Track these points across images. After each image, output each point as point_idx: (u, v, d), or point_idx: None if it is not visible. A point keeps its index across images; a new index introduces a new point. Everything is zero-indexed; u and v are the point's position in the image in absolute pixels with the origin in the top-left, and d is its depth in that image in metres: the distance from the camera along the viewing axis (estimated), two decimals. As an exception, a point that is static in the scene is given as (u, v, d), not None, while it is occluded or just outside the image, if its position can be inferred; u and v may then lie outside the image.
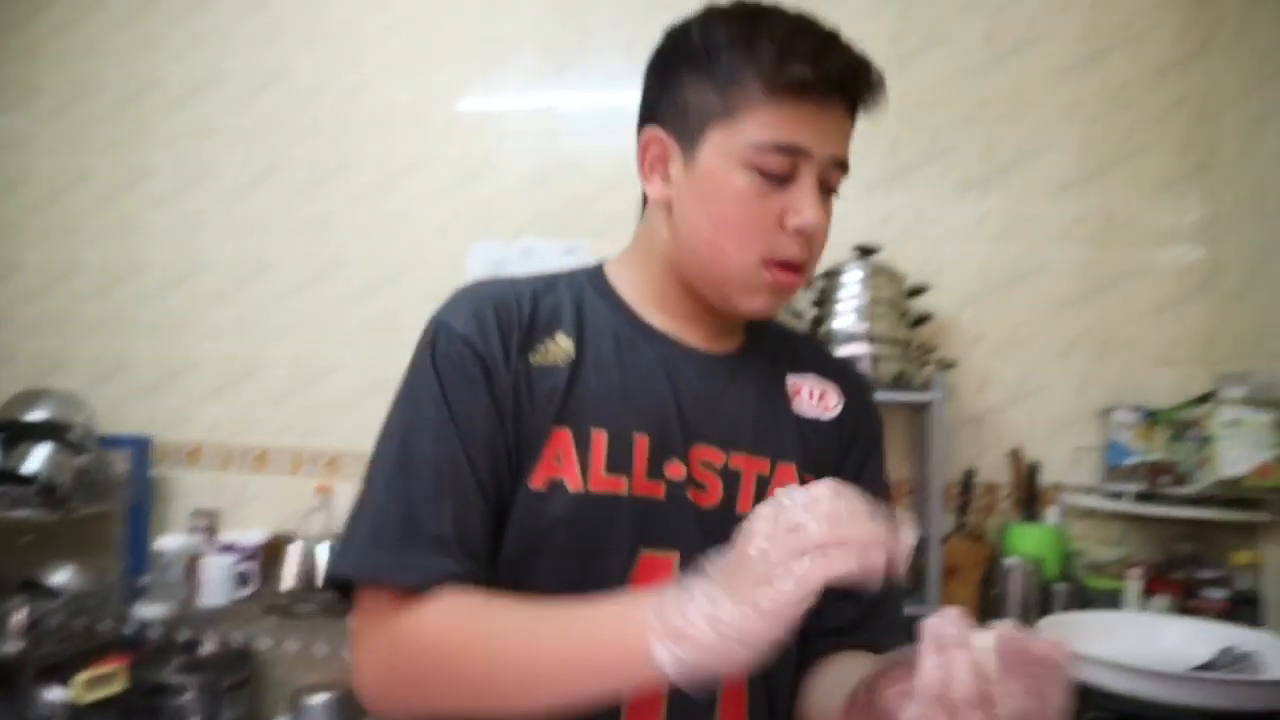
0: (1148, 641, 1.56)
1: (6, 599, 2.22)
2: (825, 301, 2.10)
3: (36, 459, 2.37)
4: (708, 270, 0.82)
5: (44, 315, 2.82)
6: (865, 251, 2.11)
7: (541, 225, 2.51)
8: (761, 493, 0.84)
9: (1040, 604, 1.94)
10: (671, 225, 0.84)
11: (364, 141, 2.66)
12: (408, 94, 2.64)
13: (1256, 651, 1.47)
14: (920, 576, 1.94)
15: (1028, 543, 2.02)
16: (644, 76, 0.87)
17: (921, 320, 2.11)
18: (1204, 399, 1.91)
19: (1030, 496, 2.12)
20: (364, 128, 2.66)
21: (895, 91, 0.84)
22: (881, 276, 2.07)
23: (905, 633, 0.73)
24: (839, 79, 0.77)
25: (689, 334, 0.87)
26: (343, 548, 0.76)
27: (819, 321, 2.08)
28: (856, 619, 0.87)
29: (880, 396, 1.03)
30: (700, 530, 0.80)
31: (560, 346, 0.81)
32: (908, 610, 1.06)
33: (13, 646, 2.15)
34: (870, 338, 1.99)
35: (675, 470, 0.80)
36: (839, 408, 0.92)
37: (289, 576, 2.22)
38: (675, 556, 0.79)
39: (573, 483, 0.77)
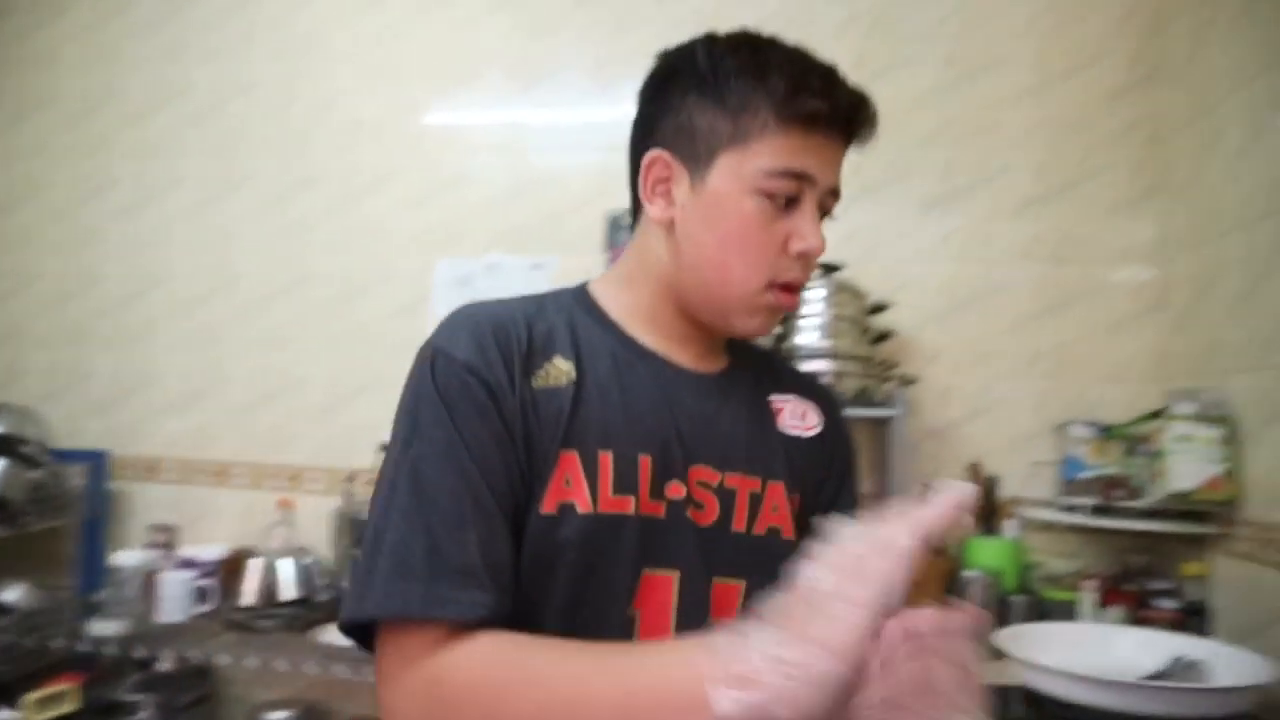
0: (1102, 651, 1.60)
1: (-44, 616, 2.17)
2: (789, 318, 2.12)
3: (-11, 473, 2.32)
4: (712, 290, 0.84)
5: (-1, 327, 2.78)
6: (828, 269, 2.14)
7: (508, 241, 2.52)
8: (755, 511, 0.86)
9: (999, 616, 1.97)
10: (673, 245, 0.85)
11: (331, 155, 2.65)
12: (375, 108, 2.64)
13: (1205, 660, 1.51)
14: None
15: (987, 555, 2.05)
16: (642, 98, 0.88)
17: (883, 337, 2.14)
18: (1156, 415, 1.96)
19: (989, 510, 2.15)
20: (331, 141, 2.65)
21: (859, 112, 0.86)
22: (844, 294, 2.10)
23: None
24: (846, 113, 0.81)
25: (679, 354, 0.89)
26: (361, 589, 0.72)
27: (782, 338, 2.10)
28: None
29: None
30: (699, 549, 0.81)
31: (560, 369, 0.81)
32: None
33: (-38, 665, 2.10)
34: (833, 354, 2.02)
35: (676, 490, 0.81)
36: (819, 427, 0.95)
37: (250, 592, 2.19)
38: (676, 575, 0.80)
39: (583, 505, 0.77)
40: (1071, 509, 2.05)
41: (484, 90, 2.60)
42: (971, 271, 2.31)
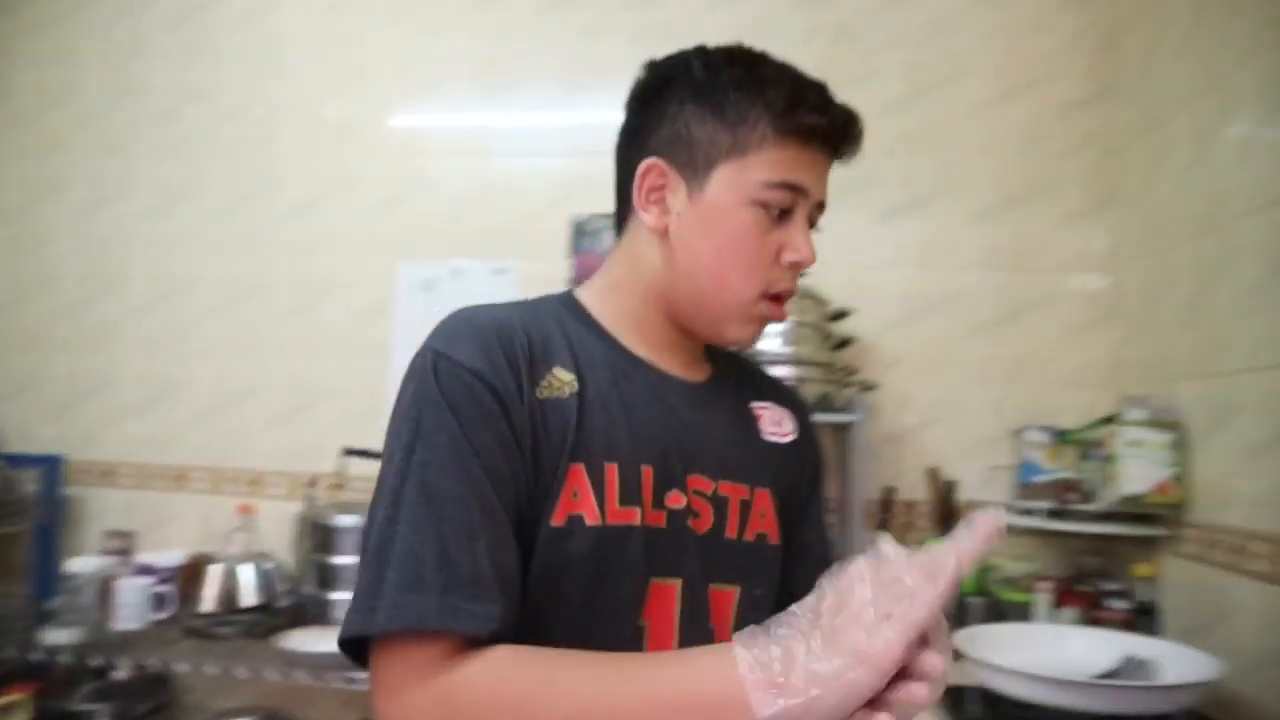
0: (1056, 651, 1.63)
1: (-97, 625, 2.12)
2: (753, 324, 2.14)
3: (-62, 479, 2.27)
4: (706, 298, 0.85)
5: (-51, 329, 2.72)
6: (791, 275, 2.16)
7: (472, 245, 2.52)
8: (745, 518, 0.87)
9: (956, 617, 2.00)
10: (667, 253, 0.86)
11: (290, 158, 2.63)
12: (339, 111, 2.62)
13: (1154, 659, 1.56)
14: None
15: (945, 559, 2.08)
16: (632, 106, 0.89)
17: (844, 344, 2.17)
18: (1108, 420, 2.00)
19: (947, 513, 2.19)
20: (293, 144, 2.64)
21: (822, 124, 0.88)
22: (806, 301, 2.13)
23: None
24: (841, 129, 0.83)
25: (667, 362, 0.89)
26: (369, 600, 0.68)
27: (746, 343, 2.12)
28: None
29: (805, 417, 1.07)
30: (699, 557, 0.82)
31: (562, 379, 0.80)
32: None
33: (-91, 675, 2.05)
34: (795, 360, 2.05)
35: (676, 500, 0.82)
36: (794, 433, 0.97)
37: (209, 598, 2.16)
38: (678, 583, 0.81)
39: (590, 517, 0.77)
40: (1027, 512, 2.09)
41: (449, 94, 2.60)
42: (930, 279, 2.35)
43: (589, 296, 0.90)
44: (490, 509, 0.72)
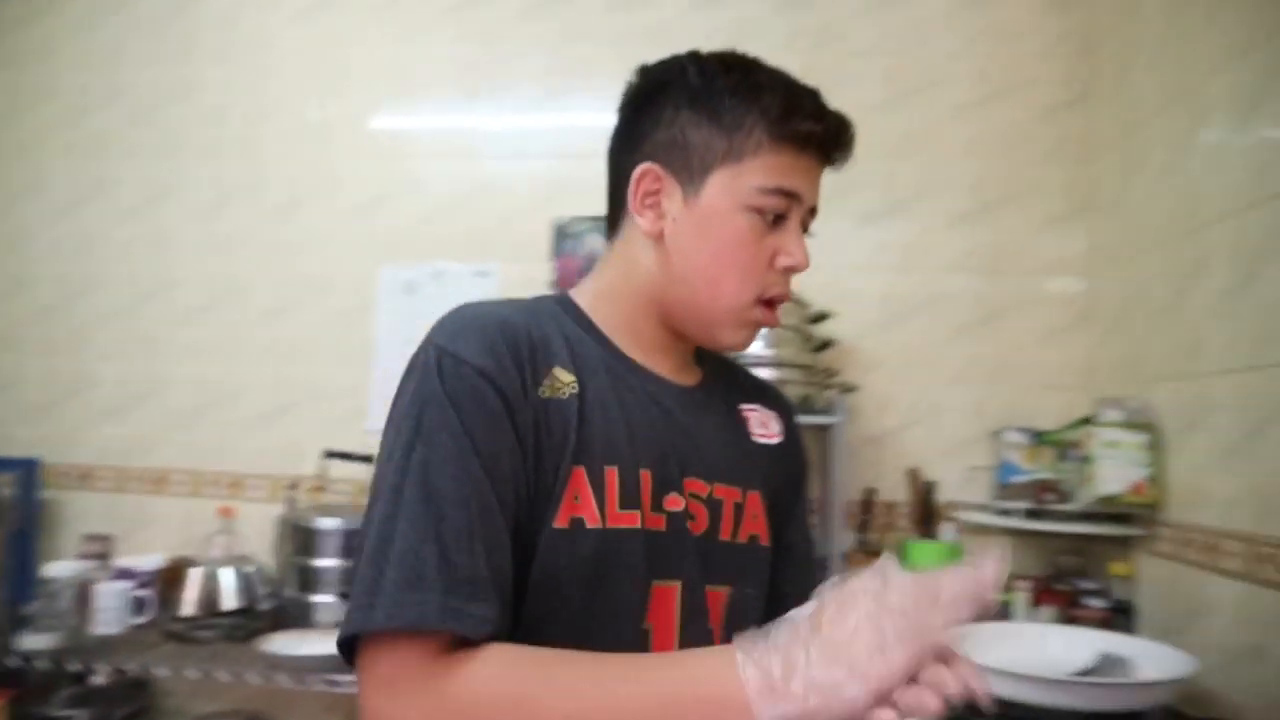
0: (1035, 649, 1.65)
1: (-123, 630, 2.09)
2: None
3: (-88, 482, 2.24)
4: (701, 303, 0.86)
5: (-76, 331, 2.69)
6: (772, 278, 2.18)
7: (453, 247, 2.52)
8: (738, 520, 0.88)
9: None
10: (662, 257, 0.86)
11: (272, 160, 2.62)
12: (321, 112, 2.62)
13: (1130, 656, 1.58)
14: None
15: (925, 558, 2.10)
16: (625, 111, 0.89)
17: (825, 346, 2.19)
18: (1085, 421, 2.03)
19: (927, 514, 2.20)
20: (274, 145, 2.63)
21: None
22: (787, 304, 2.14)
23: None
24: (835, 135, 0.85)
25: (660, 366, 0.90)
26: (368, 599, 0.68)
27: (728, 345, 2.13)
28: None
29: (786, 419, 1.08)
30: (697, 558, 0.83)
31: (563, 380, 0.80)
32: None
33: (-117, 681, 2.02)
34: (776, 363, 2.06)
35: (674, 503, 0.83)
36: (780, 435, 0.98)
37: (190, 602, 2.15)
38: (678, 586, 0.82)
39: (591, 520, 0.77)
40: (1006, 512, 2.11)
41: (431, 96, 2.60)
42: (910, 282, 2.37)
43: (588, 300, 0.90)
44: (489, 510, 0.72)
